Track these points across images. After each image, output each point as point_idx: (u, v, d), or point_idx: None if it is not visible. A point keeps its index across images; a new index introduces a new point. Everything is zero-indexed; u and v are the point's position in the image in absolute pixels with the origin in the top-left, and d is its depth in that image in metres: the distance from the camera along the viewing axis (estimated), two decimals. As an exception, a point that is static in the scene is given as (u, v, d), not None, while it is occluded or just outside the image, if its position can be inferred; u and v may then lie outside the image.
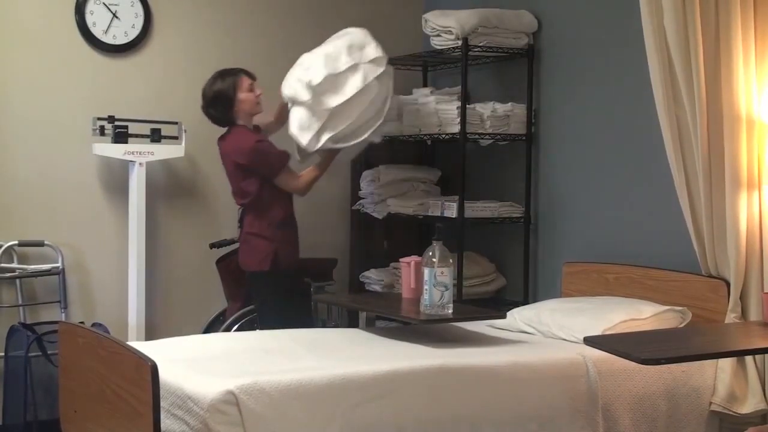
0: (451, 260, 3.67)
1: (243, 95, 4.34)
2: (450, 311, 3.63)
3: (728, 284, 3.68)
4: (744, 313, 3.67)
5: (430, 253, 3.61)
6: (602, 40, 4.43)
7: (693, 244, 3.77)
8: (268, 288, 4.33)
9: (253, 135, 4.35)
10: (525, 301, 4.63)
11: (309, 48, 4.47)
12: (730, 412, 3.56)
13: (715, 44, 3.62)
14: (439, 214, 4.70)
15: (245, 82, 4.36)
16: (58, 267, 4.71)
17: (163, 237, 5.00)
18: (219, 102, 4.34)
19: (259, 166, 4.29)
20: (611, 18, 4.37)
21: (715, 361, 3.56)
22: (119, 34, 4.90)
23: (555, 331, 3.79)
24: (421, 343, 3.56)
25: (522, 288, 4.78)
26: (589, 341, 3.11)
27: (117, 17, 4.89)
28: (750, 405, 3.56)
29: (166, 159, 4.87)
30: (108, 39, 4.87)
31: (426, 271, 3.61)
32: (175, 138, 4.87)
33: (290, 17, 5.30)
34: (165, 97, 4.98)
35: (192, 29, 5.09)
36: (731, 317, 3.65)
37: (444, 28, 4.77)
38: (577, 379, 3.39)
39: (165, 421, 2.91)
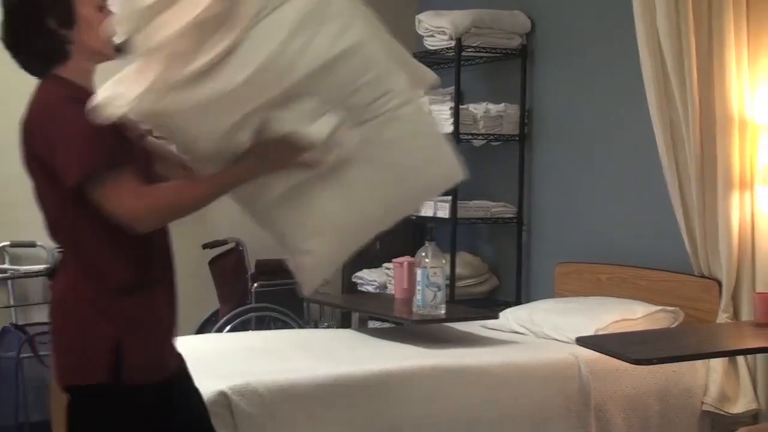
0: (443, 261, 3.67)
1: (90, 12, 2.20)
2: (443, 312, 3.63)
3: (720, 284, 3.69)
4: (736, 314, 3.67)
5: (423, 254, 3.61)
6: (595, 41, 4.44)
7: (685, 245, 3.77)
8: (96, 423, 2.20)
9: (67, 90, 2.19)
10: (518, 302, 4.63)
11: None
12: (722, 412, 3.57)
13: (708, 45, 3.63)
14: (431, 215, 4.70)
15: None
16: (50, 268, 4.69)
17: (156, 237, 4.99)
18: (39, 14, 2.18)
19: (48, 152, 2.14)
20: (604, 19, 4.38)
21: (706, 361, 3.57)
22: (112, 35, 4.89)
23: (547, 332, 3.79)
24: (414, 344, 3.57)
25: (515, 288, 4.79)
26: (582, 342, 3.12)
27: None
28: (741, 405, 3.57)
29: (158, 159, 4.85)
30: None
31: (419, 271, 3.62)
32: (167, 139, 4.85)
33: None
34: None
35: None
36: (723, 317, 3.66)
37: (437, 28, 4.77)
38: (569, 379, 3.40)
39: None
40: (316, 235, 2.22)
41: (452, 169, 2.36)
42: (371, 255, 5.13)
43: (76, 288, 2.16)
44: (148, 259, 2.23)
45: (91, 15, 2.18)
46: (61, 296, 2.20)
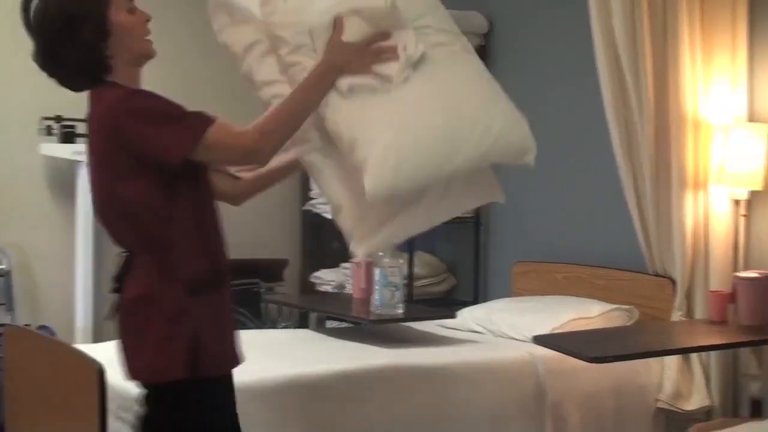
0: (401, 260, 3.68)
1: (121, 17, 2.24)
2: (400, 311, 3.64)
3: (674, 283, 3.73)
4: (690, 312, 3.72)
5: (381, 253, 3.61)
6: (553, 42, 4.47)
7: (640, 244, 3.81)
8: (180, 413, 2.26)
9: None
10: (475, 301, 4.65)
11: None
12: (676, 409, 3.61)
13: (663, 46, 3.67)
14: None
15: None
16: (4, 269, 4.63)
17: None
18: (74, 33, 2.21)
19: (139, 142, 2.18)
20: (562, 19, 4.41)
21: (661, 358, 3.61)
22: (66, 33, 4.84)
23: (505, 331, 3.81)
24: (372, 344, 3.57)
25: (472, 288, 4.81)
26: (538, 340, 3.14)
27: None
28: (695, 402, 3.61)
29: (114, 159, 4.81)
30: (55, 37, 4.81)
31: (377, 271, 3.62)
32: (124, 138, 4.81)
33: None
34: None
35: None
36: (677, 315, 3.70)
37: (395, 27, 4.77)
38: (526, 377, 3.42)
39: (113, 425, 2.87)
40: (381, 127, 2.27)
41: (524, 139, 2.46)
42: (329, 255, 5.14)
43: (152, 289, 2.20)
44: (217, 256, 2.29)
45: (125, 20, 2.23)
46: (135, 298, 2.22)
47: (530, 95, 4.55)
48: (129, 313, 2.24)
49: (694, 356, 3.65)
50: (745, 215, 3.66)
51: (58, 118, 4.66)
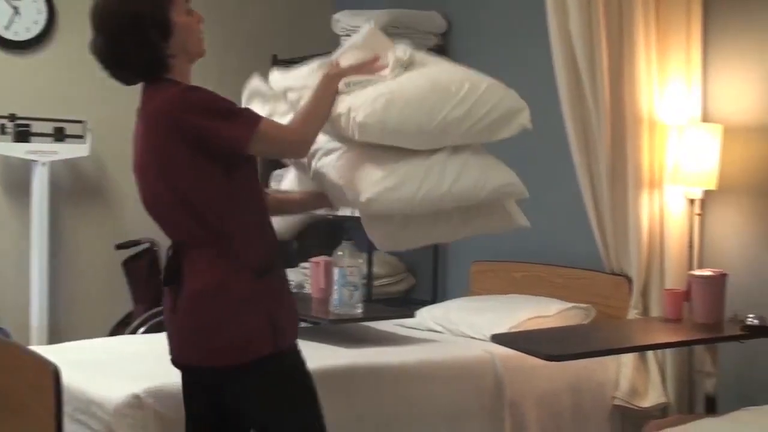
0: (360, 260, 3.68)
1: (182, 18, 2.39)
2: (359, 311, 3.63)
3: (631, 281, 3.77)
4: (646, 310, 3.76)
5: (340, 253, 3.61)
6: (511, 42, 4.49)
7: (597, 243, 3.84)
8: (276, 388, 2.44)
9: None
10: (434, 300, 4.66)
11: (217, 45, 4.41)
12: (632, 406, 3.65)
13: (619, 46, 3.70)
14: (349, 214, 4.69)
15: None
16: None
17: (68, 238, 4.89)
18: (140, 31, 2.33)
19: (206, 132, 2.31)
20: (519, 19, 4.43)
21: (617, 356, 3.64)
22: (21, 30, 4.78)
23: (463, 330, 3.82)
24: (331, 343, 3.56)
25: (431, 287, 4.82)
26: (496, 339, 3.16)
27: (18, 13, 4.77)
28: (651, 399, 3.64)
29: (70, 158, 4.77)
30: (9, 35, 4.76)
31: (336, 270, 3.61)
32: (80, 137, 4.76)
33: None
34: (69, 95, 4.87)
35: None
36: (633, 313, 3.74)
37: (354, 28, 4.77)
38: (484, 376, 3.43)
39: (69, 427, 2.84)
40: (373, 91, 2.58)
41: (515, 100, 2.83)
42: (288, 254, 5.12)
43: (220, 278, 2.34)
44: (271, 240, 2.48)
45: (185, 21, 2.38)
46: (203, 288, 2.34)
47: (488, 95, 4.60)
48: (198, 303, 2.35)
49: (650, 354, 3.69)
50: (699, 214, 3.70)
51: (11, 117, 4.60)
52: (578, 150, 3.77)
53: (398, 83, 2.63)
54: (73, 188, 4.94)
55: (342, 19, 4.85)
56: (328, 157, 2.68)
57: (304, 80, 2.72)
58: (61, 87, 4.88)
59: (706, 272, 3.40)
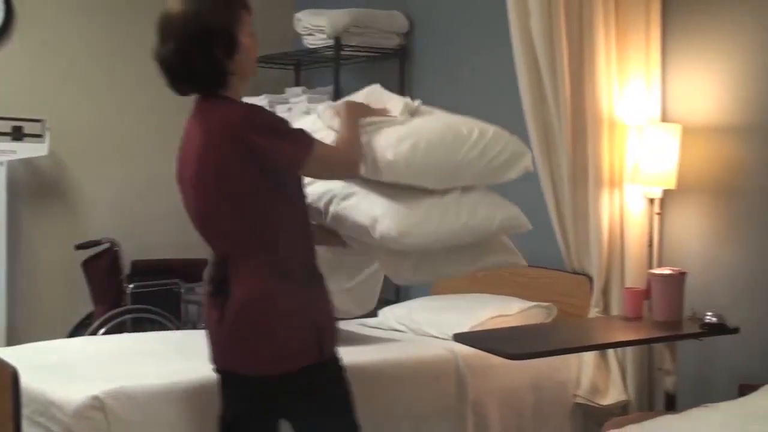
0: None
1: (246, 39, 2.48)
2: (322, 310, 3.62)
3: (591, 280, 3.79)
4: (606, 308, 3.79)
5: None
6: (472, 41, 4.51)
7: (559, 242, 3.86)
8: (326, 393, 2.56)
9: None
10: (396, 300, 4.65)
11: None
12: (593, 404, 3.68)
13: (579, 46, 3.72)
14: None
15: (246, 19, 2.50)
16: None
17: (26, 238, 4.84)
18: (209, 47, 2.41)
19: (266, 149, 2.41)
20: (482, 19, 4.45)
21: (579, 354, 3.67)
22: (-22, 28, 4.72)
23: (426, 329, 3.83)
24: (293, 343, 3.55)
25: (393, 286, 4.81)
26: (458, 338, 3.16)
27: (-25, 10, 4.71)
28: (612, 396, 3.67)
29: (28, 158, 4.71)
30: (-34, 33, 4.70)
31: (298, 270, 3.60)
32: (39, 136, 4.70)
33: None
34: (28, 94, 4.82)
35: (57, 24, 4.94)
36: (594, 312, 3.76)
37: (316, 27, 4.77)
38: (447, 375, 3.44)
39: (28, 429, 2.82)
40: (394, 132, 2.74)
41: (518, 144, 2.96)
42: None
43: (267, 288, 2.43)
44: (313, 252, 2.57)
45: (249, 42, 2.47)
46: (250, 298, 2.43)
47: (449, 95, 4.61)
48: (245, 313, 2.43)
49: (610, 352, 3.72)
50: (659, 213, 3.74)
51: (-31, 118, 4.55)
52: (540, 150, 3.79)
53: (415, 126, 2.77)
54: (32, 188, 4.88)
55: (303, 18, 4.85)
56: (347, 201, 2.77)
57: (312, 125, 2.81)
58: (19, 85, 4.83)
59: (666, 271, 3.43)
